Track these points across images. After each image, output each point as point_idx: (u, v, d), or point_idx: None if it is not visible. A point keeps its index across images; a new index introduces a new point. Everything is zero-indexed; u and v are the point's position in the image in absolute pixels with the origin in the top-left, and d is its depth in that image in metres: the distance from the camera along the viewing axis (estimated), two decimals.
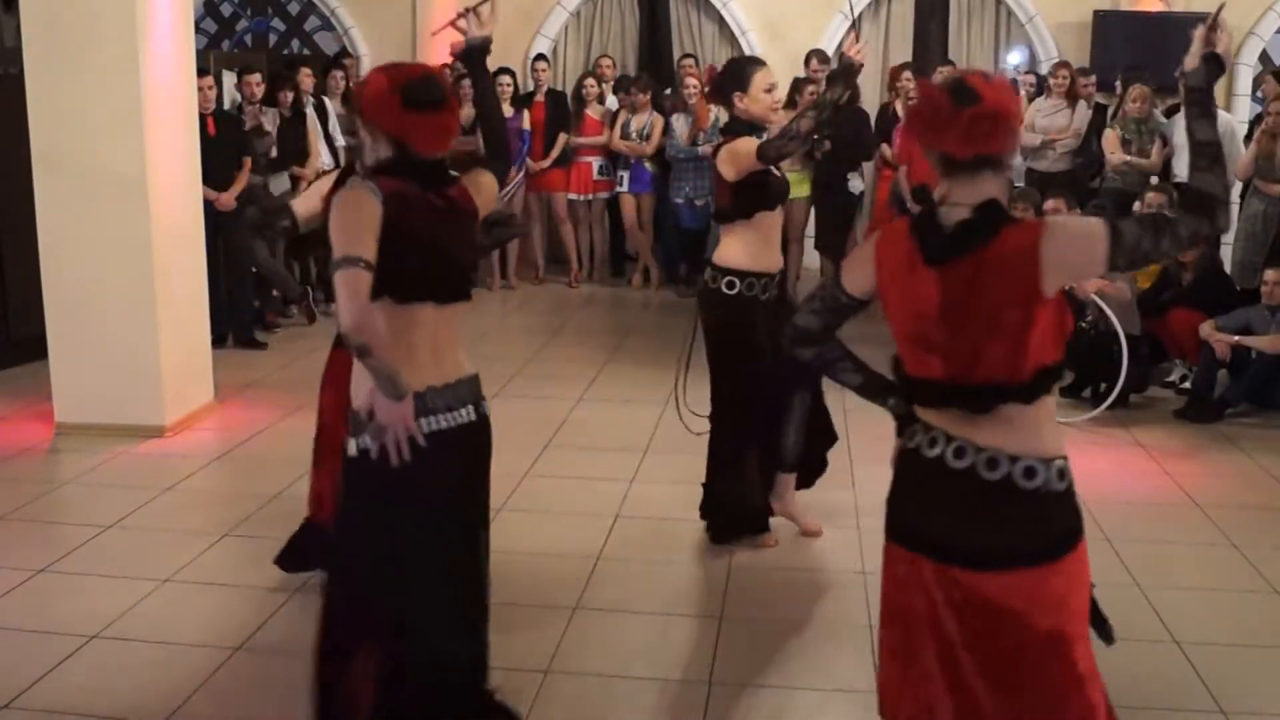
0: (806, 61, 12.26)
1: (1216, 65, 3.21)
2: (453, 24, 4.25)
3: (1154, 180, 10.48)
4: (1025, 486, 2.99)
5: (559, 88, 13.73)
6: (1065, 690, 3.05)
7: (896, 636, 3.17)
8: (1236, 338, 8.38)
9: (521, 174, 12.55)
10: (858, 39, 5.50)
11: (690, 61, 13.21)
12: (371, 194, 3.40)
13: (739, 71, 5.74)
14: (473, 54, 4.16)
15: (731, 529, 5.95)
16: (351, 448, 3.49)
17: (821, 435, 6.10)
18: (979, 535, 3.01)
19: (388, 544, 3.54)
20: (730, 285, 5.68)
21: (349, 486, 3.57)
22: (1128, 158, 10.53)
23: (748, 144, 5.58)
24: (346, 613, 3.57)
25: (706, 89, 5.77)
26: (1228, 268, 10.03)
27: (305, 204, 4.86)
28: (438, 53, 13.97)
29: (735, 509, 5.91)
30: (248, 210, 4.51)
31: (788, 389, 5.84)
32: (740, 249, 5.70)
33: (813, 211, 12.15)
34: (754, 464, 5.87)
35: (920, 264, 3.02)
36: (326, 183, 4.87)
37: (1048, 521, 3.05)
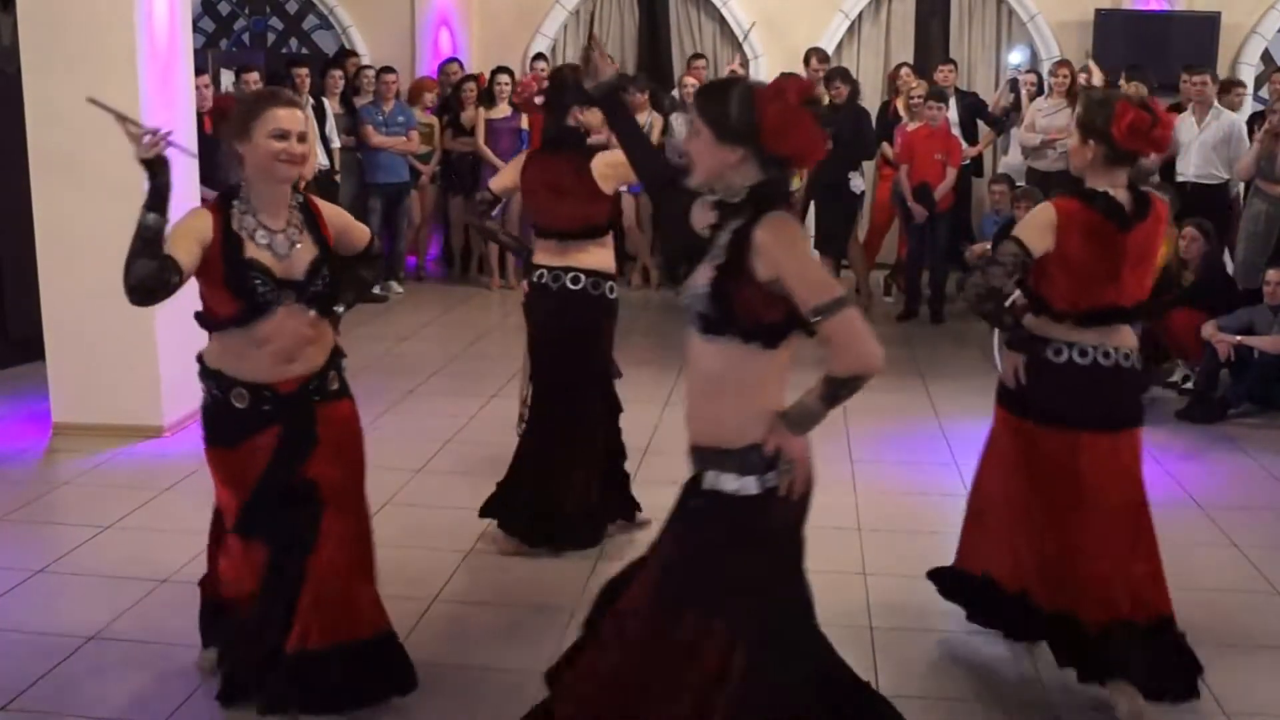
0: (806, 60, 12.24)
1: None
2: (586, 64, 4.14)
3: (1155, 180, 10.44)
4: (1138, 368, 4.53)
5: None
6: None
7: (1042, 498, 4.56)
8: (1239, 338, 8.37)
9: None
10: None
11: (702, 62, 13.14)
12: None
13: (581, 82, 5.58)
14: (609, 94, 4.04)
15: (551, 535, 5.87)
16: (751, 486, 3.35)
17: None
18: (1128, 405, 4.57)
19: (793, 579, 3.50)
20: (612, 289, 5.76)
21: (742, 529, 3.40)
22: None
23: None
24: (770, 653, 3.42)
25: (538, 98, 5.64)
26: (1230, 268, 10.01)
27: (186, 254, 3.98)
28: (434, 54, 14.00)
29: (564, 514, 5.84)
30: (135, 267, 3.87)
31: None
32: (609, 254, 5.75)
33: (812, 211, 12.16)
34: (590, 471, 5.86)
35: (1111, 228, 4.33)
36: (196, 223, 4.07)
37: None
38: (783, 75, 3.40)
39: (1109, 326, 4.44)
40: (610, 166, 5.56)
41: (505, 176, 5.93)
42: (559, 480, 5.77)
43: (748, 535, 3.39)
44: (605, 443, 5.94)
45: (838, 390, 3.25)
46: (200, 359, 4.22)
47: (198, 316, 4.18)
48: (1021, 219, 4.63)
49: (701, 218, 3.57)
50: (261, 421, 4.15)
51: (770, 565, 3.44)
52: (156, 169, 3.98)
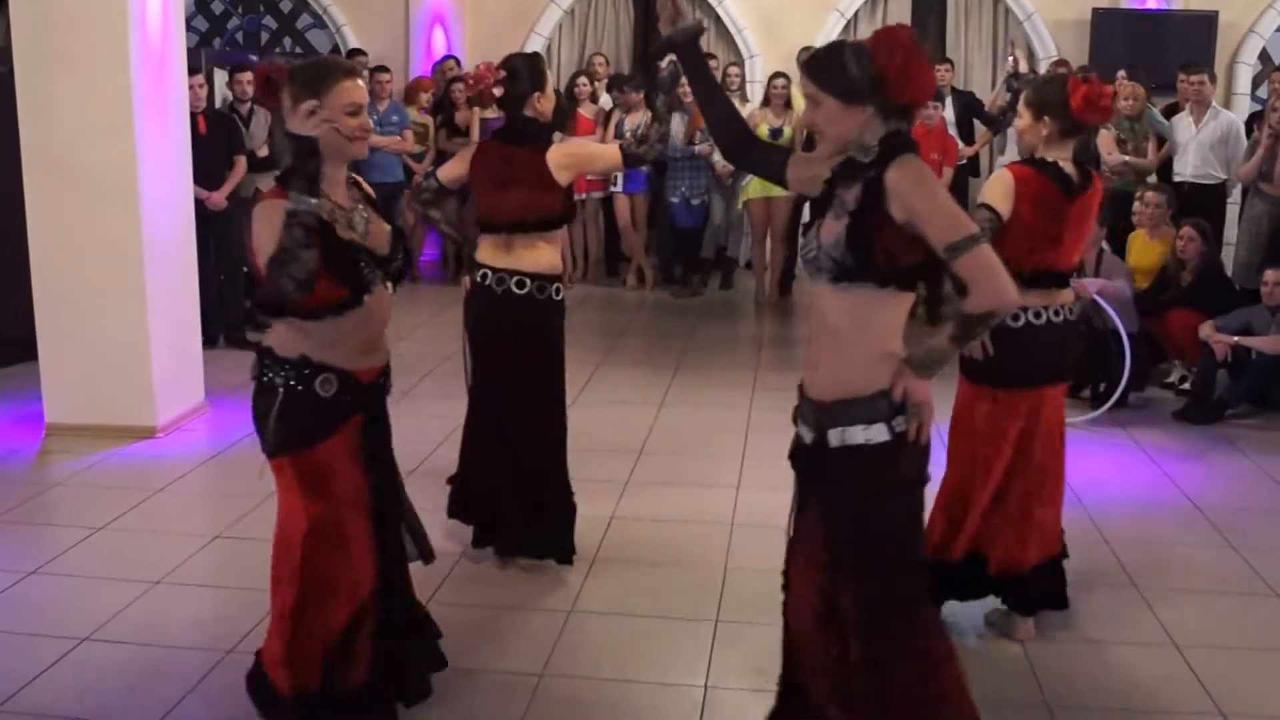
0: (798, 59, 12.22)
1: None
2: (670, 10, 3.79)
3: (1151, 179, 10.42)
4: (1075, 317, 4.97)
5: (554, 86, 13.66)
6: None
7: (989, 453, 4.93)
8: (1236, 338, 8.33)
9: None
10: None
11: (715, 62, 13.07)
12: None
13: (534, 71, 5.51)
14: (686, 42, 3.82)
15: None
16: (881, 433, 3.39)
17: None
18: (1073, 355, 5.04)
19: (918, 522, 3.61)
20: (558, 291, 5.54)
21: (879, 478, 3.44)
22: (1125, 158, 10.46)
23: (600, 148, 5.94)
24: (906, 603, 3.54)
25: (496, 89, 5.36)
26: (1230, 269, 9.98)
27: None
28: (427, 53, 13.98)
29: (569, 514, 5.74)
30: (304, 259, 3.56)
31: None
32: (557, 254, 5.55)
33: (808, 209, 12.12)
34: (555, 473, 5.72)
35: (1062, 197, 4.75)
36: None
37: None
38: (885, 28, 3.43)
39: (1048, 289, 4.84)
40: (568, 156, 5.43)
41: (455, 165, 5.64)
42: (537, 490, 5.61)
43: (885, 484, 3.45)
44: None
45: (972, 327, 3.37)
46: (267, 351, 3.87)
47: (279, 308, 3.77)
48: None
49: (798, 171, 3.68)
50: (342, 414, 3.87)
51: (907, 512, 3.53)
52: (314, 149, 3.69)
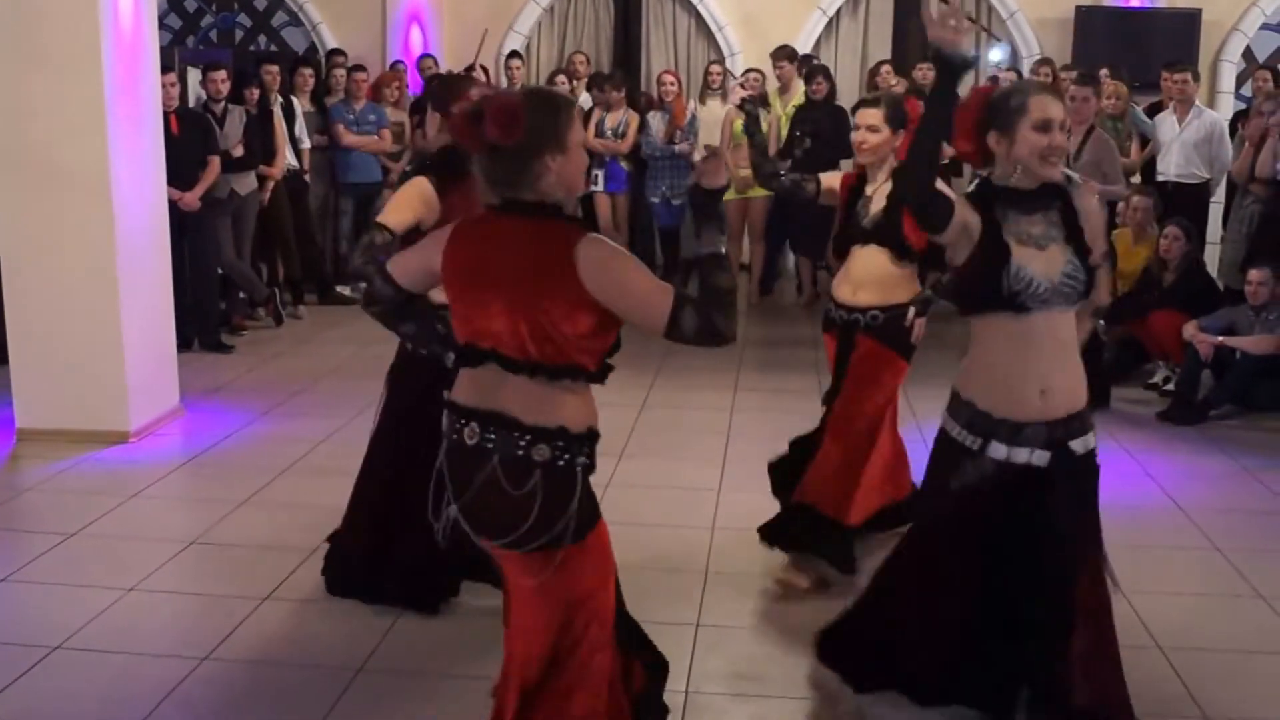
0: (774, 58, 12.19)
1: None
2: (963, 26, 3.51)
3: (1136, 180, 10.39)
4: None
5: (533, 85, 13.63)
6: None
7: None
8: (1220, 338, 8.32)
9: None
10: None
11: (717, 68, 12.93)
12: None
13: (455, 89, 4.87)
14: (957, 69, 3.53)
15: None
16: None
17: None
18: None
19: None
20: None
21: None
22: None
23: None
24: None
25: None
26: (1218, 269, 9.96)
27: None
28: (404, 52, 13.90)
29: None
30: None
31: None
32: None
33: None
34: None
35: None
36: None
37: None
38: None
39: None
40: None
41: (405, 209, 4.85)
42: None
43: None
44: None
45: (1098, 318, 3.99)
46: (559, 432, 3.29)
47: (583, 373, 3.33)
48: None
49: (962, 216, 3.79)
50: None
51: None
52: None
